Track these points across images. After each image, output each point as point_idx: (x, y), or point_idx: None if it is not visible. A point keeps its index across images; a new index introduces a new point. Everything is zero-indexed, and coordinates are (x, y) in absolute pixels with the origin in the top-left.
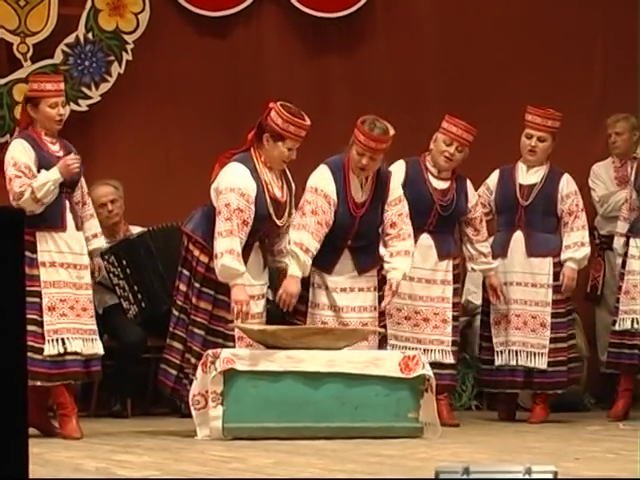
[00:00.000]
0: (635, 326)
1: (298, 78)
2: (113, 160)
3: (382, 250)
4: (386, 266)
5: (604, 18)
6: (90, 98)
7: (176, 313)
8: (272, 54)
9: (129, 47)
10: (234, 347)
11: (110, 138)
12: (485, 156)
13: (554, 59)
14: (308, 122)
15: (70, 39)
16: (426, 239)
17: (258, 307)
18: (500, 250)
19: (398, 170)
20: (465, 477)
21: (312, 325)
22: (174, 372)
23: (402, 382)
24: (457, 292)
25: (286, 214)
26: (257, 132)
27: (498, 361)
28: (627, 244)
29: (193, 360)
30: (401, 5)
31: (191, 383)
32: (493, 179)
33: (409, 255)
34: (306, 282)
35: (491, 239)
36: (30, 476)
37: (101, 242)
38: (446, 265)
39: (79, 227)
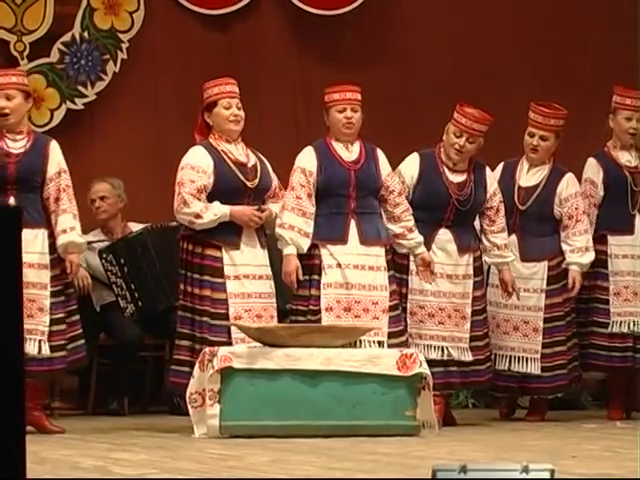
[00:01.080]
0: (635, 329)
1: (296, 75)
2: (109, 158)
3: (392, 227)
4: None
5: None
6: (86, 97)
7: (180, 313)
8: (271, 52)
9: (124, 46)
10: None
11: (106, 136)
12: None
13: (548, 52)
14: (231, 80)
15: (66, 38)
16: (444, 234)
17: (265, 287)
18: None
19: (412, 164)
20: (462, 475)
21: (312, 324)
22: (186, 369)
23: (399, 380)
24: (479, 285)
25: (258, 177)
26: (202, 120)
27: (495, 365)
28: (604, 242)
29: (197, 346)
30: (399, 2)
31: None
32: (496, 175)
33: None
34: (317, 267)
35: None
36: (27, 475)
37: (70, 237)
38: (467, 259)
39: (37, 225)
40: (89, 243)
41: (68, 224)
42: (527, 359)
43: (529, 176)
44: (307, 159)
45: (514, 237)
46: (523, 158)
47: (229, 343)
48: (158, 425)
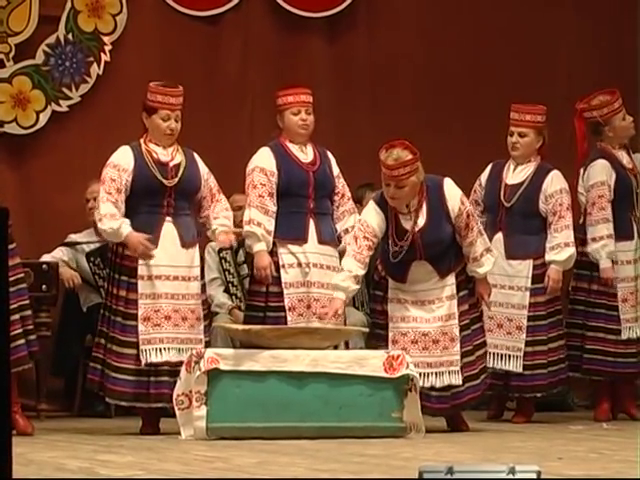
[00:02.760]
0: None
1: (283, 76)
2: (93, 160)
3: (337, 227)
4: None
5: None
6: (70, 99)
7: (101, 311)
8: (257, 54)
9: (107, 48)
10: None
11: (89, 139)
12: (475, 155)
13: (523, 56)
14: (178, 89)
15: (51, 40)
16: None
17: (181, 288)
18: None
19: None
20: (449, 477)
21: (298, 324)
22: (99, 367)
23: (386, 382)
24: (464, 299)
25: (178, 176)
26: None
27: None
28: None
29: (115, 348)
30: (385, 5)
31: (114, 371)
32: (485, 174)
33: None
34: (276, 265)
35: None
36: (13, 476)
37: None
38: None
39: None
40: (79, 244)
41: None
42: (510, 356)
43: (515, 174)
44: (266, 159)
45: (500, 235)
46: (510, 159)
47: (137, 344)
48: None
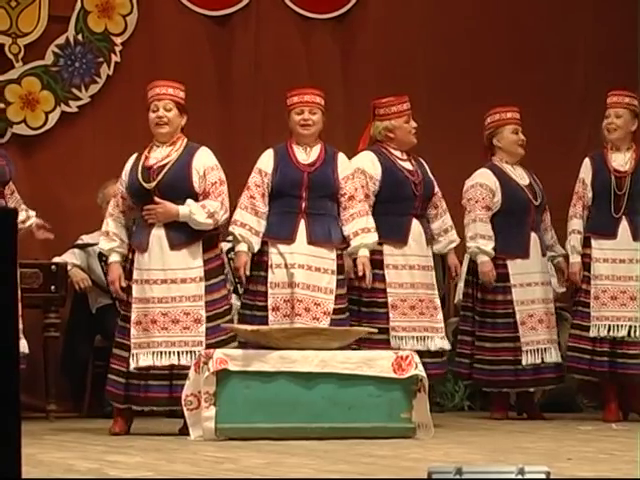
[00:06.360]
0: (610, 334)
1: (292, 77)
2: (102, 161)
3: (343, 229)
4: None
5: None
6: (80, 99)
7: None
8: (268, 54)
9: (118, 49)
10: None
11: (99, 139)
12: (472, 155)
13: (539, 57)
14: (162, 80)
15: (60, 40)
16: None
17: (170, 291)
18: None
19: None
20: (458, 477)
21: (305, 325)
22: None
23: (395, 382)
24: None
25: (158, 178)
26: None
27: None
28: (587, 245)
29: (114, 350)
30: (393, 4)
31: (112, 373)
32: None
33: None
34: (265, 264)
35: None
36: (23, 476)
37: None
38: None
39: None
40: (90, 245)
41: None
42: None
43: (516, 175)
44: (265, 160)
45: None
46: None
47: (129, 347)
48: (153, 427)
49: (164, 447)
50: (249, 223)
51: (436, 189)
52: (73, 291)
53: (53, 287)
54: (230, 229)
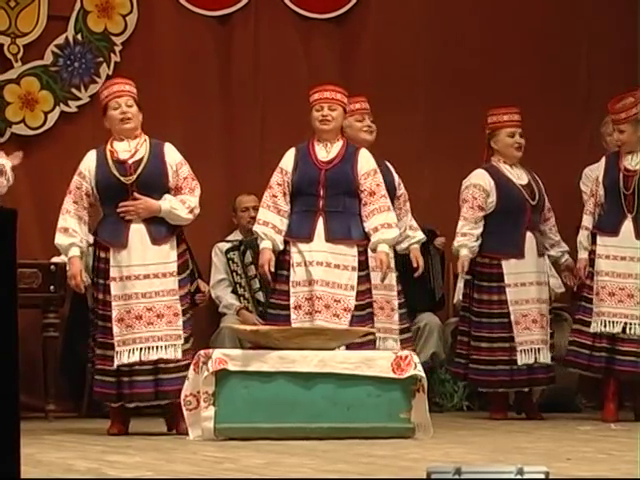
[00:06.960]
0: (606, 329)
1: (292, 77)
2: None
3: (364, 225)
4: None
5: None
6: (79, 99)
7: (90, 317)
8: (267, 54)
9: (117, 49)
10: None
11: (99, 139)
12: (471, 155)
13: (541, 57)
14: (118, 78)
15: (60, 40)
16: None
17: (153, 286)
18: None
19: (597, 168)
20: (457, 477)
21: (306, 325)
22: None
23: (394, 382)
24: None
25: (137, 173)
26: None
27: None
28: (594, 241)
29: (98, 350)
30: (392, 4)
31: (99, 373)
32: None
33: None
34: (287, 263)
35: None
36: (22, 476)
37: None
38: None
39: None
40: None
41: None
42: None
43: (514, 175)
44: (286, 159)
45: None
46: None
47: (113, 345)
48: (153, 427)
49: (163, 447)
50: (272, 221)
51: (401, 190)
52: (72, 291)
53: (52, 287)
54: (254, 228)
